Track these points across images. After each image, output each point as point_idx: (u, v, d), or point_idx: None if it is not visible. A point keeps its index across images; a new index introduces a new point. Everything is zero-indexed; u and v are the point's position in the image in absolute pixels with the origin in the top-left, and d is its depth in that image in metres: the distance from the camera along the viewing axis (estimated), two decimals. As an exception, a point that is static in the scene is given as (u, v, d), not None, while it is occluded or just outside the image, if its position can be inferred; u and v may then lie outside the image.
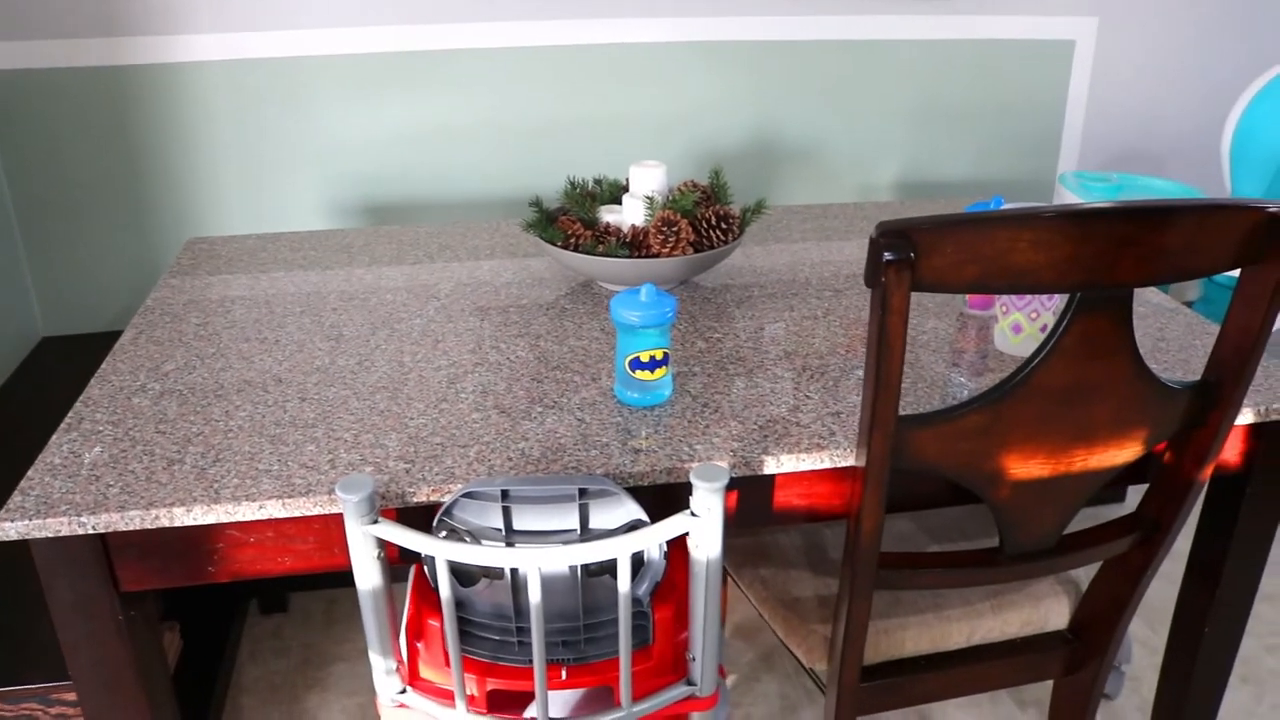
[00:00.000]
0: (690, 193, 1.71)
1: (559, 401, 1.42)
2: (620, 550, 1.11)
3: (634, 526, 1.15)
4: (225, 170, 2.52)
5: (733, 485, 1.33)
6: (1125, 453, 1.31)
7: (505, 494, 1.13)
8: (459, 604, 1.25)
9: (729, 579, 1.81)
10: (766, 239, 2.06)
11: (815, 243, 2.03)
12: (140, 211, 2.55)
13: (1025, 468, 1.27)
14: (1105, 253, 1.14)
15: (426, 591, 1.29)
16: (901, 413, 1.20)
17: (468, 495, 1.14)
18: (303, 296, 1.81)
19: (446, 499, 1.20)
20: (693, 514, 1.13)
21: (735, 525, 1.36)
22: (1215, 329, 1.65)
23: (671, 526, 1.14)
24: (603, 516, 1.17)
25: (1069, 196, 2.11)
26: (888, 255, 1.08)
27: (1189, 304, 2.13)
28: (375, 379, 1.50)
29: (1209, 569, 1.60)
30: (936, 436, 1.22)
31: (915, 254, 1.10)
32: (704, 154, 2.71)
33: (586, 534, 1.17)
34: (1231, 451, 1.50)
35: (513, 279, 1.87)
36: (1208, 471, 1.37)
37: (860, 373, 1.51)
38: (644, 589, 1.24)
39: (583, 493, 1.14)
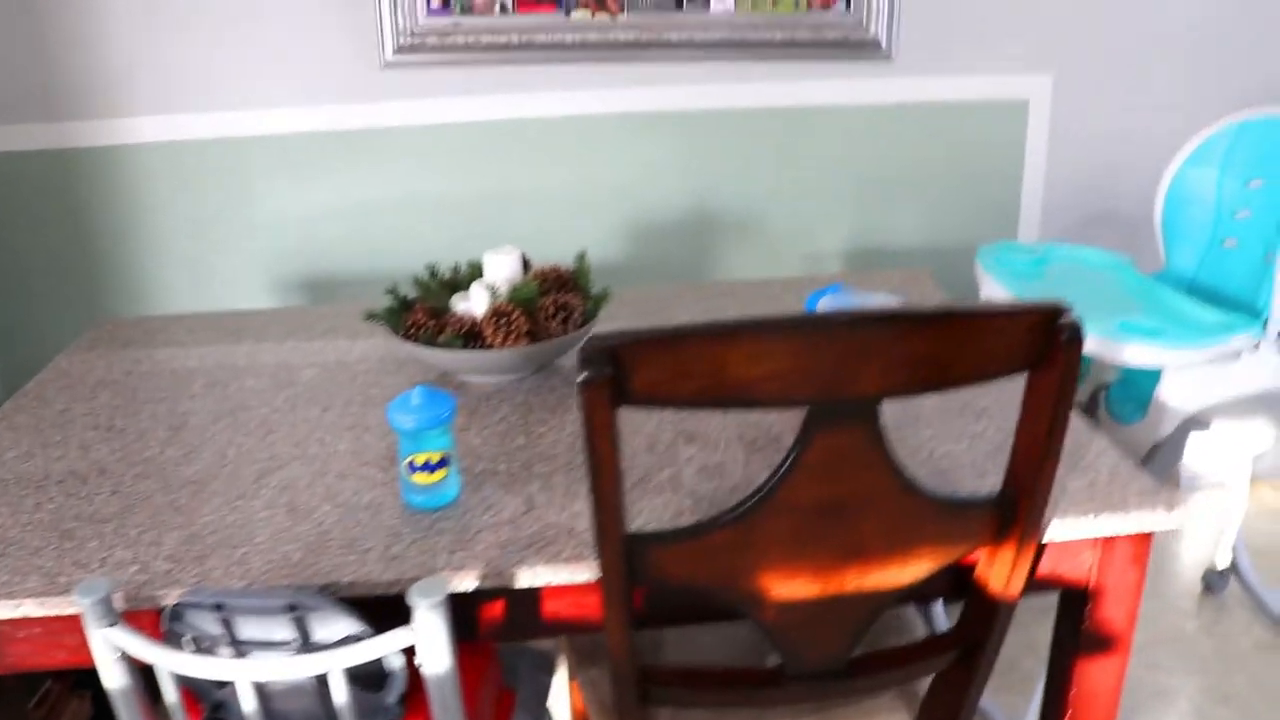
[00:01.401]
0: (532, 283, 1.67)
1: (349, 501, 1.39)
2: (329, 665, 1.08)
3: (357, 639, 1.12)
4: (169, 250, 2.55)
5: (497, 595, 1.28)
6: (910, 571, 1.23)
7: (221, 605, 1.11)
8: (220, 705, 1.22)
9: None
10: (654, 319, 2.01)
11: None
12: (88, 292, 2.60)
13: (789, 587, 1.20)
14: (841, 364, 1.07)
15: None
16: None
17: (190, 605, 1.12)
18: (169, 382, 1.82)
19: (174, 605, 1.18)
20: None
21: (502, 637, 1.31)
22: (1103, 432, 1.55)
23: (388, 642, 1.10)
24: (326, 629, 1.13)
25: (988, 274, 2.03)
26: (585, 375, 1.02)
27: (1104, 387, 2.02)
28: (191, 472, 1.49)
29: (1060, 683, 1.51)
30: (680, 554, 1.16)
31: (622, 371, 1.04)
32: (643, 227, 2.67)
33: (309, 645, 1.14)
34: (1073, 564, 1.40)
35: (375, 366, 1.85)
36: (1015, 590, 1.29)
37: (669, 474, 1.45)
38: (392, 697, 1.21)
39: (297, 605, 1.11)
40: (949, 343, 1.10)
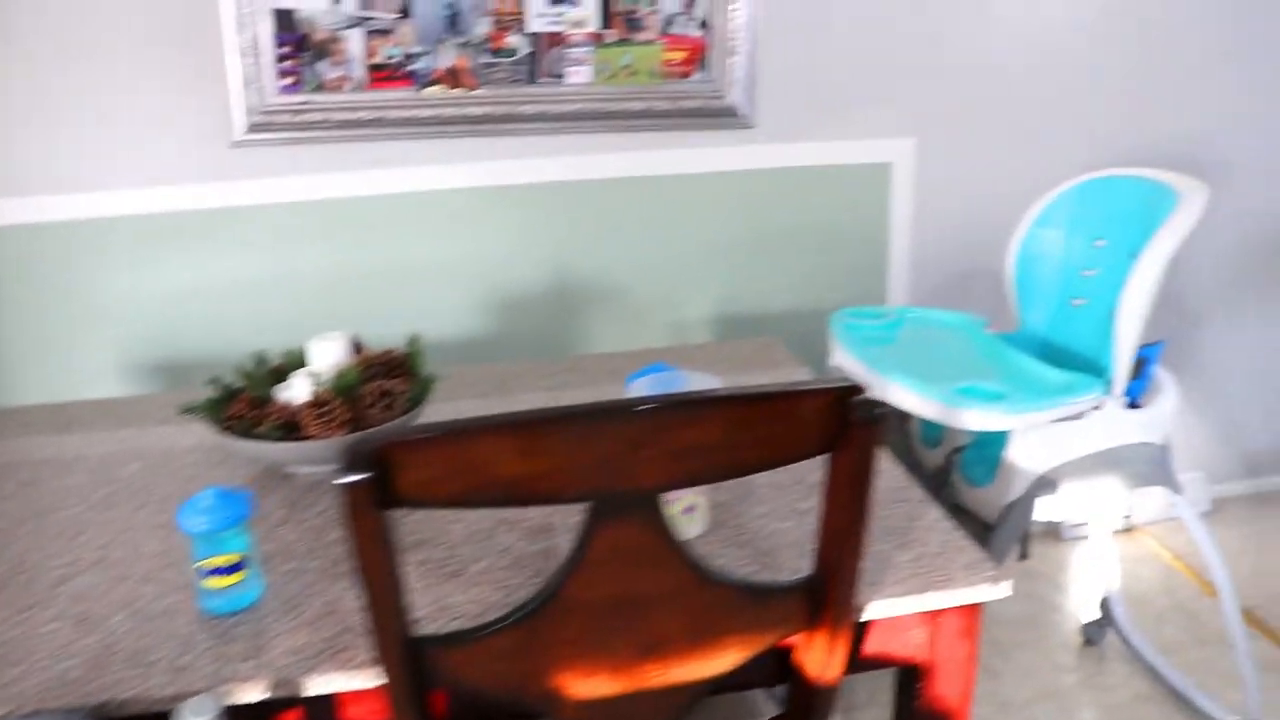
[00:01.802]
0: (354, 370, 1.61)
1: (145, 608, 1.32)
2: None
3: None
4: (13, 339, 2.46)
5: (291, 705, 1.21)
6: (717, 663, 1.19)
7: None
8: None
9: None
10: (491, 400, 1.96)
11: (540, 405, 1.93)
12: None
13: (588, 686, 1.14)
14: (618, 456, 1.03)
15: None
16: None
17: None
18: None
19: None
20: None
21: (299, 751, 1.24)
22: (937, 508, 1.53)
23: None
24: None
25: (838, 341, 2.01)
26: (344, 478, 0.97)
27: (958, 450, 2.01)
28: (-15, 583, 1.40)
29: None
30: (467, 658, 1.10)
31: (388, 472, 0.99)
32: (504, 302, 2.63)
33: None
34: (902, 641, 1.37)
35: (202, 459, 1.78)
36: (834, 674, 1.25)
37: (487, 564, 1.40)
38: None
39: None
40: (736, 429, 1.07)
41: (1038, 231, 2.19)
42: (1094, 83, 2.79)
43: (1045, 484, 1.93)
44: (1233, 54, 2.90)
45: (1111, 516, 2.29)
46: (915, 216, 2.76)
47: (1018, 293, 2.22)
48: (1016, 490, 1.93)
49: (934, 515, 1.51)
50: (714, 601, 1.16)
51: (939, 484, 2.10)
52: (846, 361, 1.97)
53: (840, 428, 1.12)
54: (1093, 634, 2.64)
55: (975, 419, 1.77)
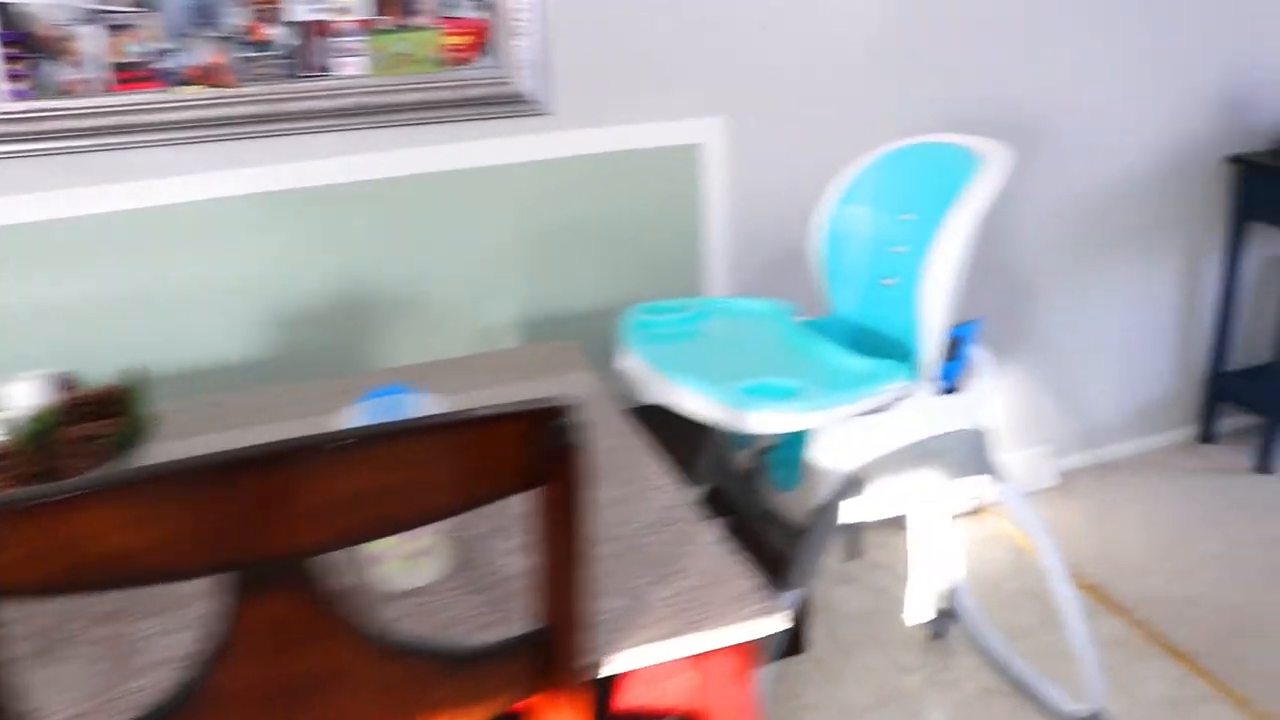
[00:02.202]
0: (49, 413, 1.37)
1: None
2: None
3: None
4: None
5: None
6: (425, 740, 0.98)
7: None
8: None
9: None
10: (237, 434, 1.74)
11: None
12: None
13: (261, 790, 0.93)
14: (254, 515, 0.82)
15: None
16: None
17: None
18: None
19: None
20: None
21: None
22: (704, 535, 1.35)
23: None
24: None
25: (627, 341, 1.82)
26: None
27: (765, 451, 1.84)
28: None
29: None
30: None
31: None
32: (287, 318, 2.40)
33: None
34: (666, 690, 1.20)
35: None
36: (572, 736, 1.05)
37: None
38: None
39: None
40: (407, 470, 0.87)
41: (844, 209, 2.03)
42: (910, 49, 2.68)
43: (853, 483, 1.78)
44: (1054, 19, 2.82)
45: (938, 509, 2.15)
46: (731, 200, 2.60)
47: (827, 275, 2.07)
48: (822, 493, 1.77)
49: (706, 539, 1.34)
50: (407, 675, 0.96)
51: (747, 489, 1.94)
52: (634, 364, 1.79)
53: (541, 458, 0.93)
54: (938, 626, 2.52)
55: (762, 420, 1.60)
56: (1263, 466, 3.26)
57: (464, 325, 2.50)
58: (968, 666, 2.47)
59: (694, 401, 1.69)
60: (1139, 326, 3.25)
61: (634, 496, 1.48)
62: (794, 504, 1.87)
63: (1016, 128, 2.85)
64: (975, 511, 3.10)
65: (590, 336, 2.56)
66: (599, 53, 2.42)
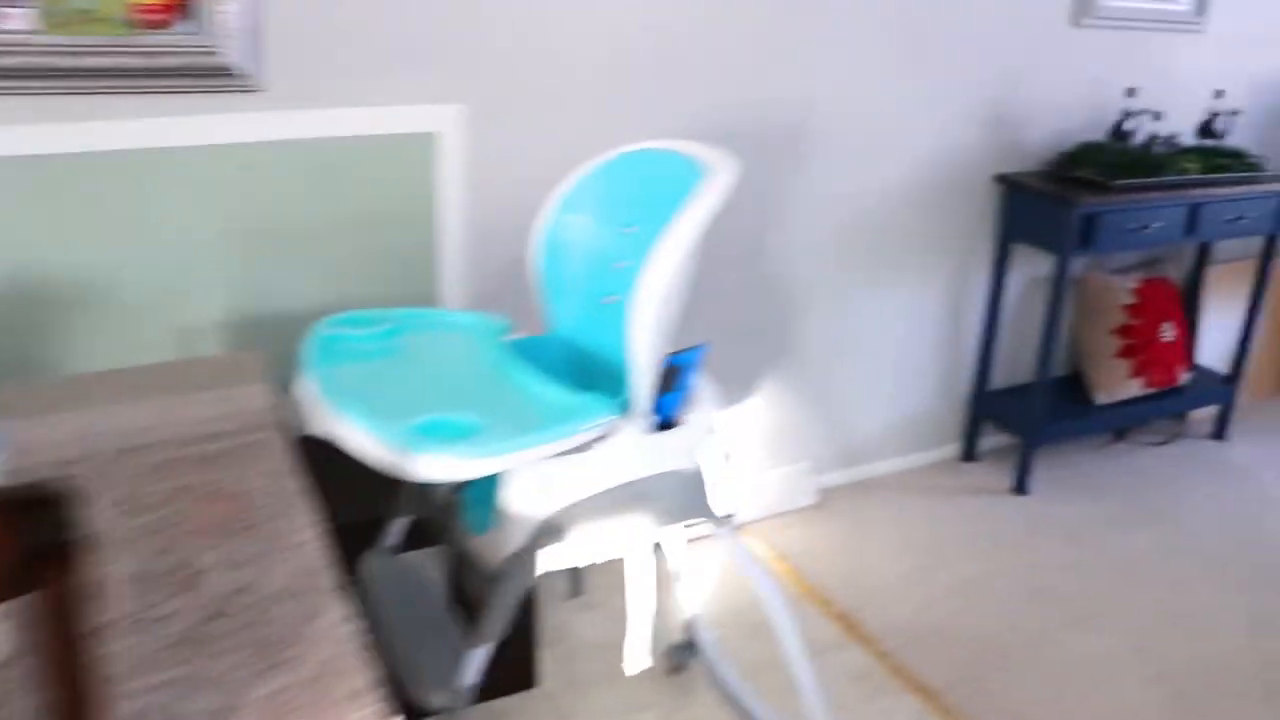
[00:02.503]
0: None
1: None
2: None
3: None
4: None
5: None
6: None
7: None
8: None
9: None
10: None
11: None
12: None
13: None
14: None
15: None
16: None
17: None
18: None
19: None
20: None
21: None
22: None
23: None
24: None
25: (307, 363, 1.56)
26: None
27: (460, 488, 1.61)
28: None
29: None
30: None
31: None
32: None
33: None
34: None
35: None
36: None
37: None
38: None
39: None
40: None
41: (564, 218, 1.82)
42: (673, 46, 2.51)
43: (550, 530, 1.56)
44: (825, 26, 2.70)
45: (665, 545, 1.97)
46: (469, 197, 2.37)
47: (546, 290, 1.85)
48: (516, 540, 1.56)
49: (334, 616, 1.10)
50: None
51: (446, 526, 1.71)
52: (310, 393, 1.54)
53: (23, 559, 0.68)
54: (678, 658, 2.35)
55: (430, 466, 1.37)
56: (1019, 488, 3.22)
57: (162, 325, 2.20)
58: (706, 703, 2.31)
59: (356, 438, 1.44)
60: (906, 343, 3.17)
61: (268, 555, 1.24)
62: (486, 551, 1.65)
63: (783, 134, 2.71)
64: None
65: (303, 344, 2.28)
66: (323, 24, 2.15)
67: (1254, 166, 3.28)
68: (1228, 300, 3.77)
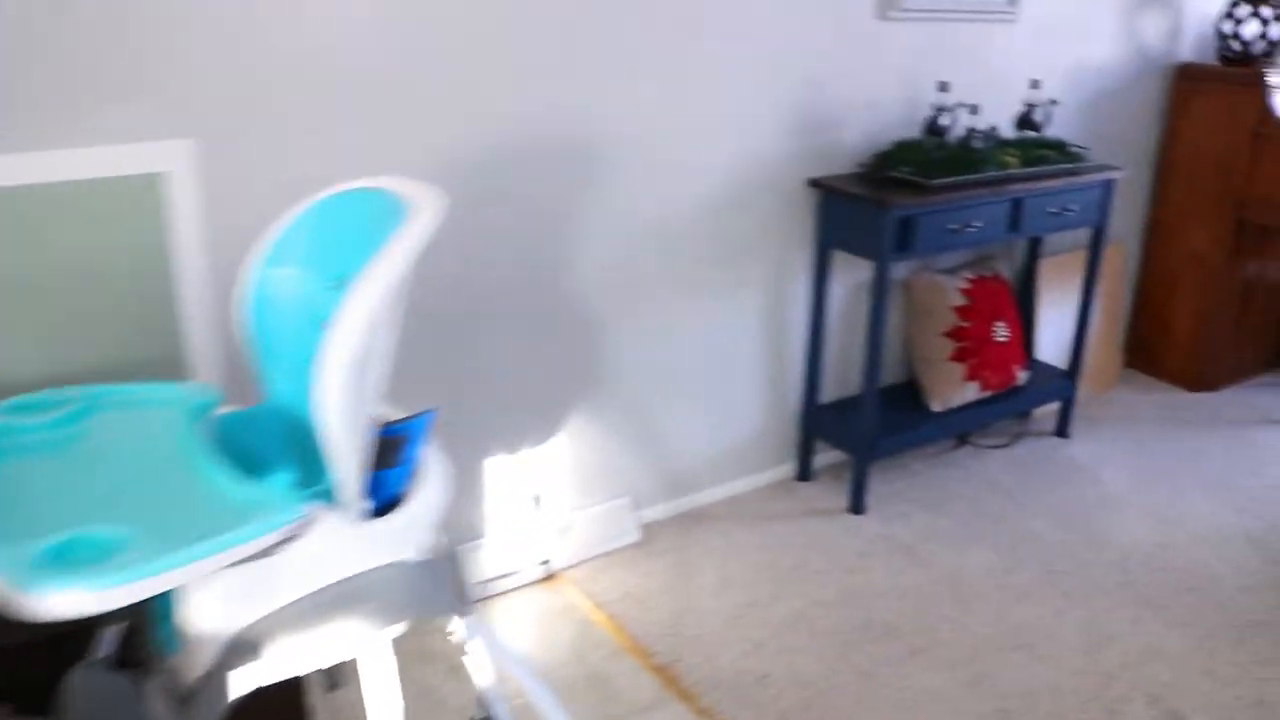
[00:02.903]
0: None
1: None
2: None
3: None
4: None
5: None
6: None
7: None
8: None
9: None
10: None
11: None
12: None
13: None
14: None
15: None
16: None
17: None
18: None
19: None
20: None
21: None
22: None
23: None
24: None
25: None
26: None
27: (146, 603, 1.34)
28: None
29: None
30: None
31: None
32: None
33: None
34: None
35: None
36: None
37: None
38: None
39: None
40: None
41: (270, 272, 1.56)
42: (432, 58, 2.29)
43: (242, 648, 1.30)
44: (610, 30, 2.49)
45: (388, 651, 1.73)
46: (210, 241, 2.10)
47: (258, 353, 1.59)
48: (203, 661, 1.29)
49: None
50: None
51: (128, 651, 1.44)
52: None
53: None
54: (475, 737, 2.11)
55: (51, 603, 1.10)
56: (855, 507, 3.04)
57: None
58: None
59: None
60: (728, 361, 2.97)
61: None
62: (181, 668, 1.38)
63: (566, 150, 2.48)
64: (546, 579, 2.73)
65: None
66: (20, 60, 1.84)
67: (1075, 157, 3.15)
68: (1063, 292, 3.66)
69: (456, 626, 1.59)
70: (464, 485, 2.62)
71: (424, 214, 1.43)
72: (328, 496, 1.42)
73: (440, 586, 1.55)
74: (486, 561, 2.66)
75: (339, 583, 1.44)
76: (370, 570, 1.46)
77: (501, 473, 2.67)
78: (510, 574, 2.70)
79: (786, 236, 2.96)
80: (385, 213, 1.49)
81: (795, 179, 2.92)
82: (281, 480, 1.43)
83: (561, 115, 2.46)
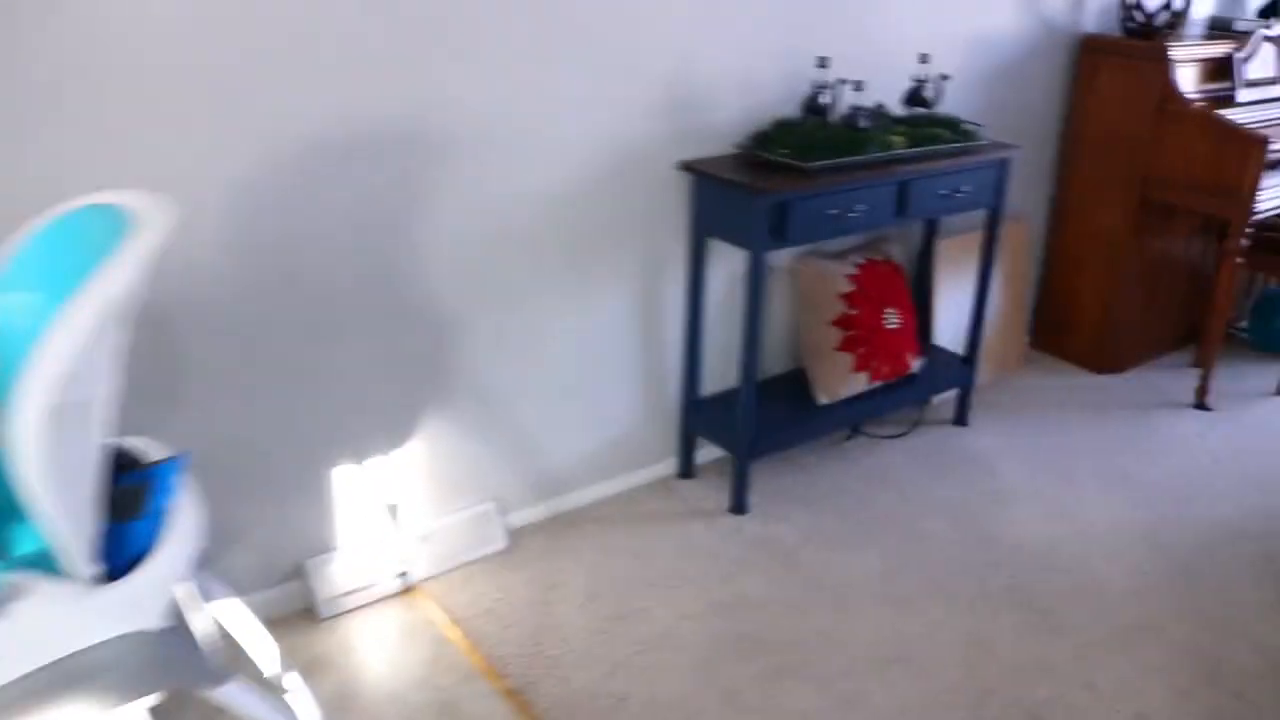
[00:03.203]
0: None
1: None
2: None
3: None
4: None
5: None
6: None
7: None
8: None
9: None
10: None
11: None
12: None
13: None
14: None
15: None
16: None
17: None
18: None
19: None
20: None
21: None
22: None
23: None
24: None
25: None
26: None
27: None
28: None
29: None
30: None
31: None
32: None
33: None
34: None
35: None
36: None
37: None
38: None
39: None
40: None
41: (5, 298, 1.34)
42: (249, 42, 2.07)
43: None
44: (450, 14, 2.21)
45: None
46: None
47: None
48: None
49: None
50: None
51: None
52: None
53: None
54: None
55: None
56: (737, 506, 2.89)
57: None
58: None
59: None
60: (601, 355, 2.79)
61: None
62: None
63: (409, 139, 2.28)
64: (405, 592, 2.55)
65: None
66: None
67: (968, 135, 2.99)
68: (963, 275, 3.51)
69: (214, 698, 1.40)
70: (310, 497, 2.44)
71: (146, 231, 1.22)
72: (47, 561, 1.22)
73: (191, 654, 1.35)
74: (338, 576, 2.48)
75: (59, 662, 1.24)
76: (101, 644, 1.27)
77: (352, 482, 2.48)
78: (364, 588, 2.52)
79: (659, 224, 2.78)
80: (111, 231, 1.28)
81: (666, 163, 2.74)
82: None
83: (399, 102, 2.26)
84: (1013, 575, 2.70)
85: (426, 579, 2.64)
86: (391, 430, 2.53)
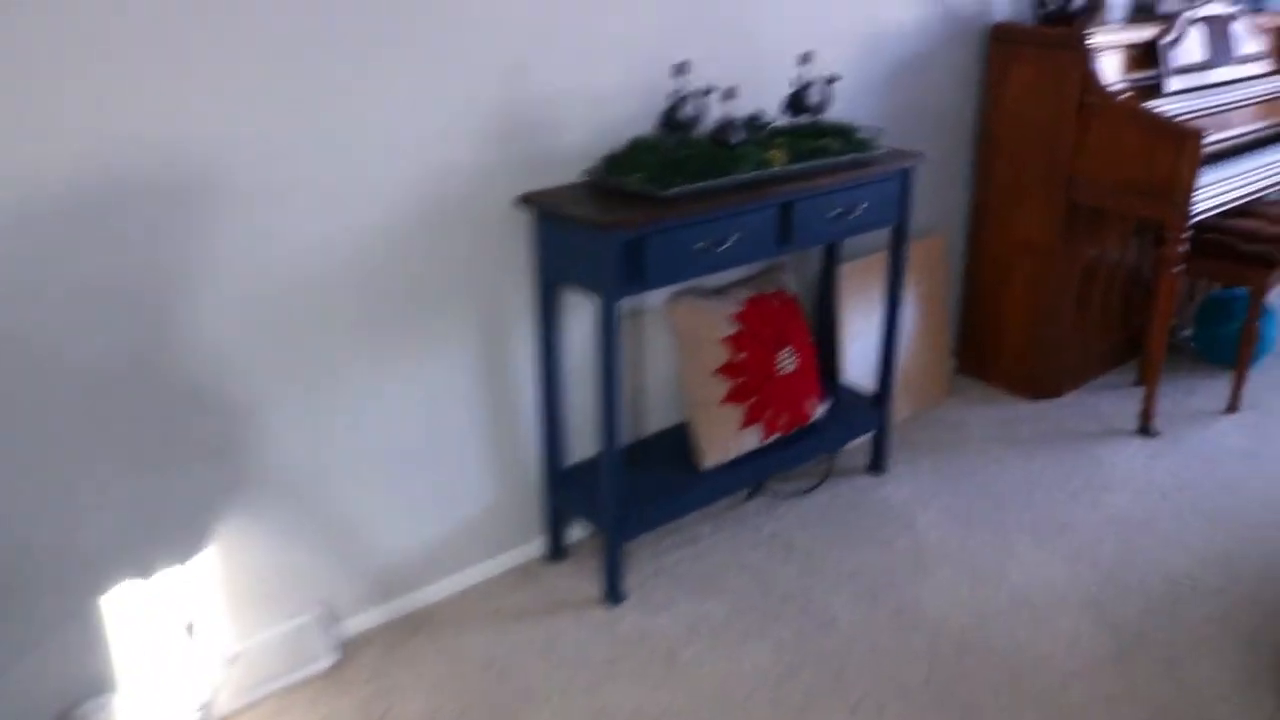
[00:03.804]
0: None
1: None
2: None
3: None
4: None
5: None
6: None
7: None
8: None
9: None
10: None
11: None
12: None
13: None
14: None
15: None
16: None
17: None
18: None
19: None
20: None
21: None
22: None
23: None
24: None
25: None
26: None
27: None
28: None
29: None
30: None
31: None
32: None
33: None
34: None
35: None
36: None
37: None
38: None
39: None
40: None
41: None
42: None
43: None
44: (199, 37, 1.81)
45: None
46: None
47: None
48: None
49: None
50: None
51: None
52: None
53: None
54: None
55: None
56: (611, 594, 2.43)
57: None
58: None
59: None
60: (442, 426, 2.35)
61: None
62: None
63: (173, 186, 1.83)
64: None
65: None
66: None
67: (862, 145, 2.57)
68: (871, 301, 3.09)
69: None
70: (78, 628, 2.00)
71: None
72: None
73: None
74: (116, 721, 2.01)
75: None
76: None
77: (138, 602, 2.01)
78: (152, 732, 2.05)
79: (499, 269, 2.34)
80: None
81: (503, 197, 2.28)
82: None
83: (157, 144, 1.79)
84: (932, 665, 2.27)
85: (233, 713, 2.16)
86: (185, 535, 2.07)
